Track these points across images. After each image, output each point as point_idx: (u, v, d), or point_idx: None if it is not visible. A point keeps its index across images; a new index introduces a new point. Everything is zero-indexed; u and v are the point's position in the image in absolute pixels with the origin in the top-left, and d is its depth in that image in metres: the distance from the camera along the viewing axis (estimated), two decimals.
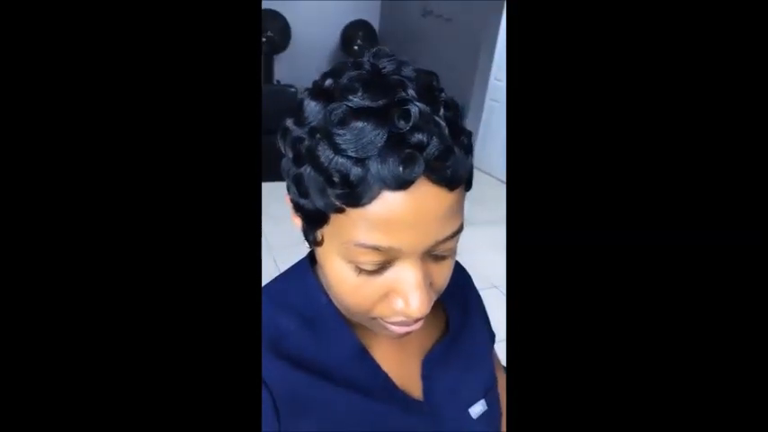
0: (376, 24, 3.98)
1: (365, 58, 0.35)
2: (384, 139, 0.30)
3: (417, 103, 0.31)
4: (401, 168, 0.30)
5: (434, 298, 0.38)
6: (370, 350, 0.44)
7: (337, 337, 0.43)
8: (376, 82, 0.32)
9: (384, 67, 0.34)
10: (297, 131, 0.34)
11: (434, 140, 0.31)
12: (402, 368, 0.45)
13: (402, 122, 0.30)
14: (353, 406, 0.41)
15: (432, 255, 0.35)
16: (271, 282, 0.48)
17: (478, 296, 0.57)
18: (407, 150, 0.30)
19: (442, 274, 0.38)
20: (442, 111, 0.32)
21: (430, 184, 0.32)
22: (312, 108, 0.33)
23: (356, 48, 3.79)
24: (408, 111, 0.31)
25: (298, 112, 0.35)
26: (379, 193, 0.31)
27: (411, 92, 0.32)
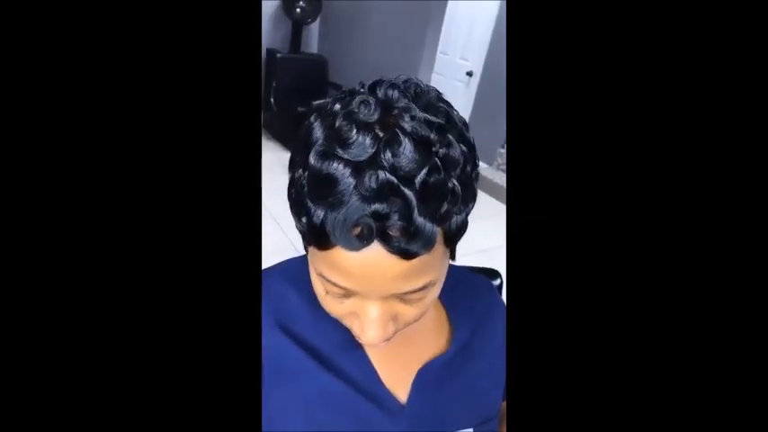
0: None
1: (382, 87, 0.33)
2: (350, 194, 0.30)
3: (387, 173, 0.29)
4: (352, 236, 0.31)
5: (399, 329, 0.39)
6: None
7: (333, 324, 0.43)
8: (370, 127, 0.31)
9: (394, 105, 0.32)
10: (297, 153, 0.35)
11: (395, 216, 0.30)
12: (395, 370, 0.47)
13: (369, 185, 0.30)
14: (331, 391, 0.43)
15: (398, 297, 0.36)
16: (293, 258, 0.51)
17: (503, 314, 0.54)
18: (364, 218, 0.30)
19: (412, 312, 0.39)
20: (422, 174, 0.30)
21: (383, 250, 0.31)
22: (316, 131, 0.33)
23: (298, 10, 3.62)
24: (377, 176, 0.30)
25: (307, 131, 0.34)
26: (334, 244, 0.32)
27: (404, 148, 0.30)
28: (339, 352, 0.46)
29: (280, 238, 2.33)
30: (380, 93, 0.33)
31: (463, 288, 0.53)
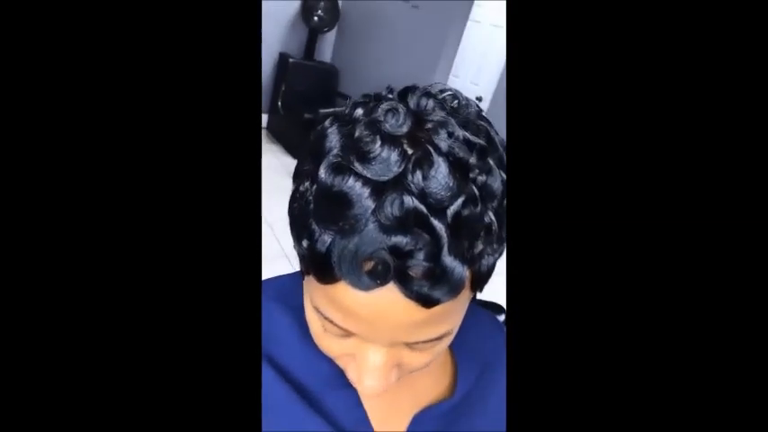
0: None
1: (415, 95, 0.28)
2: (366, 220, 0.25)
3: (415, 199, 0.24)
4: (362, 272, 0.25)
5: (402, 375, 0.33)
6: None
7: (323, 355, 0.37)
8: (398, 141, 0.25)
9: (428, 117, 0.27)
10: (305, 162, 0.29)
11: (419, 254, 0.24)
12: (389, 413, 0.40)
13: (390, 211, 0.24)
14: None
15: (407, 344, 0.30)
16: (286, 275, 0.44)
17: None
18: (380, 251, 0.25)
19: (420, 360, 0.32)
20: (456, 205, 0.25)
21: (399, 294, 0.26)
22: (331, 139, 0.28)
23: (316, 18, 3.63)
24: (401, 202, 0.24)
25: (320, 138, 0.29)
26: (339, 279, 0.26)
27: (438, 170, 0.25)
28: (327, 389, 0.39)
29: (272, 245, 2.28)
30: (412, 101, 0.28)
31: (471, 326, 0.47)
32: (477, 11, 3.09)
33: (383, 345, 0.30)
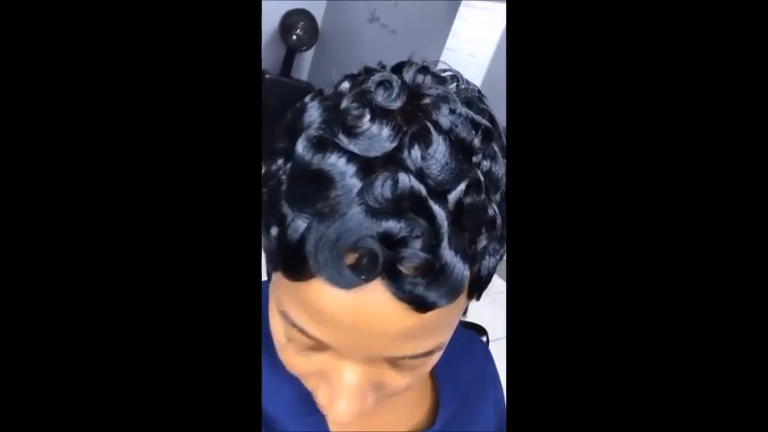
0: (320, 19, 3.85)
1: (411, 69, 0.25)
2: (350, 202, 0.21)
3: (413, 178, 0.21)
4: (344, 265, 0.21)
5: (384, 399, 0.29)
6: None
7: (288, 379, 0.31)
8: (391, 116, 0.22)
9: (426, 92, 0.23)
10: (279, 138, 0.25)
11: (415, 242, 0.21)
12: None
13: (381, 192, 0.20)
14: None
15: (390, 361, 0.26)
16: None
17: (495, 383, 0.43)
18: (367, 239, 0.21)
19: (401, 381, 0.28)
20: (459, 190, 0.22)
21: (387, 293, 0.22)
22: (311, 112, 0.24)
23: (294, 37, 3.65)
24: (395, 181, 0.21)
25: (299, 112, 0.25)
26: (313, 274, 0.22)
27: (437, 149, 0.21)
28: (292, 417, 0.34)
29: None
30: (407, 75, 0.25)
31: (455, 347, 0.44)
32: (452, 41, 3.17)
33: (361, 360, 0.26)
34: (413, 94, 0.23)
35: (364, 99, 0.23)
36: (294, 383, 0.32)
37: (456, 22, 3.04)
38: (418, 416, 0.38)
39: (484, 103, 0.26)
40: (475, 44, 3.63)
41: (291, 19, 3.58)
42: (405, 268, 0.21)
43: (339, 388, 0.26)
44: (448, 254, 0.21)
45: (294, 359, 0.28)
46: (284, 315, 0.26)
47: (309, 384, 0.29)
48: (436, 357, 0.28)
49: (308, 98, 0.26)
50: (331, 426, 0.35)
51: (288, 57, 3.72)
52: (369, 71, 0.26)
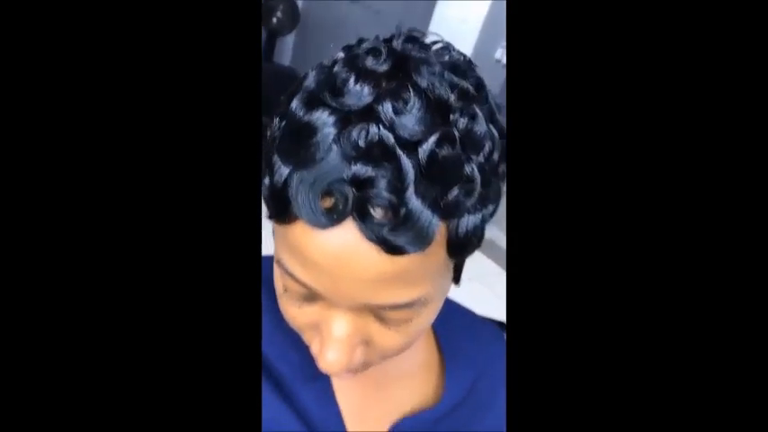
0: (300, 2, 3.77)
1: (401, 38, 0.28)
2: (328, 149, 0.24)
3: (383, 128, 0.23)
4: (319, 206, 0.24)
5: (372, 360, 0.30)
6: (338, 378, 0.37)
7: (294, 340, 0.34)
8: (375, 77, 0.25)
9: (409, 55, 0.26)
10: (282, 103, 0.29)
11: (381, 183, 0.23)
12: (365, 416, 0.37)
13: (354, 139, 0.23)
14: (282, 424, 0.34)
15: (374, 313, 0.28)
16: (266, 257, 0.40)
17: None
18: (340, 182, 0.23)
19: (391, 339, 0.29)
20: (430, 142, 0.23)
21: (359, 235, 0.24)
22: (309, 79, 0.28)
23: (274, 20, 3.57)
24: (367, 131, 0.23)
25: (301, 79, 0.29)
26: (296, 217, 0.25)
27: (412, 105, 0.24)
28: (298, 379, 0.36)
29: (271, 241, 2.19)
30: (397, 44, 0.27)
31: (465, 328, 0.44)
32: (435, 21, 3.14)
33: (348, 309, 0.28)
34: (399, 58, 0.26)
35: (353, 64, 0.26)
36: (300, 348, 0.34)
37: (439, 2, 3.00)
38: (424, 393, 0.39)
39: (474, 71, 0.28)
40: (461, 24, 3.59)
41: (271, 3, 3.50)
42: (373, 211, 0.23)
43: (328, 338, 0.28)
44: (414, 200, 0.23)
45: (291, 310, 0.31)
46: (280, 264, 0.29)
47: (306, 338, 0.32)
48: (425, 317, 0.30)
49: (311, 69, 0.29)
50: (336, 393, 0.37)
51: (269, 41, 3.65)
52: (362, 41, 0.29)
